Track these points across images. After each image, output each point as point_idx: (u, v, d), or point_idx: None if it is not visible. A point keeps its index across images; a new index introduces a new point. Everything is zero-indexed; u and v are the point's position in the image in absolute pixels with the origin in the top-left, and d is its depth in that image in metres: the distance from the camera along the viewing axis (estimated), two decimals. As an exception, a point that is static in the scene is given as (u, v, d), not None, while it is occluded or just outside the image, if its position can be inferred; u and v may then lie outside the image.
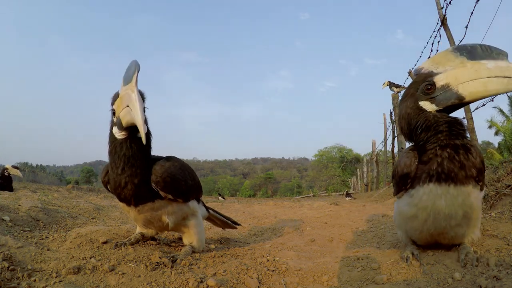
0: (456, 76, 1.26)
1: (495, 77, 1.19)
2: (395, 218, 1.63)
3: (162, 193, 1.51)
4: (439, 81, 1.30)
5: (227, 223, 2.23)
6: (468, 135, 1.35)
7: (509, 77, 1.17)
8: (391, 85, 6.78)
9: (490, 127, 16.43)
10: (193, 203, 1.73)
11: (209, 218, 2.14)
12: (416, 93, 1.36)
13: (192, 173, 1.74)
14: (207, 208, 2.03)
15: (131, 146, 1.44)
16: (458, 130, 1.30)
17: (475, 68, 1.22)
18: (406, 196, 1.42)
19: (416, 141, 1.39)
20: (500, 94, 1.25)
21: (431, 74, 1.32)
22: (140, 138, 1.41)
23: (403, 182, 1.40)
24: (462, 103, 1.29)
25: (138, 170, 1.45)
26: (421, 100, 1.34)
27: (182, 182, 1.58)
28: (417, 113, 1.35)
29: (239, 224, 2.37)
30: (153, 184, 1.49)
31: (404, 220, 1.48)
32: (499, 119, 16.55)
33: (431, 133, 1.31)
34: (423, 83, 1.33)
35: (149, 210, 1.56)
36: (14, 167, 6.07)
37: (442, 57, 1.32)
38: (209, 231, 2.54)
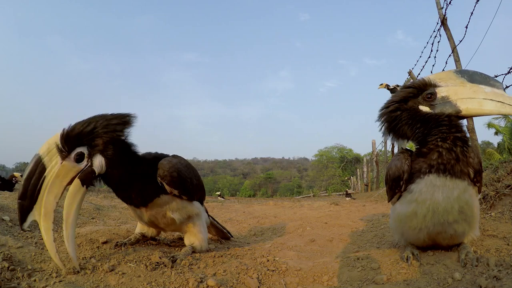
0: (457, 91, 1.39)
1: (490, 100, 1.34)
2: (391, 224, 1.63)
3: (168, 188, 1.52)
4: (441, 92, 1.40)
5: (223, 231, 2.24)
6: (465, 130, 1.41)
7: (502, 102, 1.32)
8: (388, 88, 6.72)
9: (488, 127, 16.46)
10: (197, 204, 1.75)
11: (208, 226, 2.13)
12: (417, 97, 1.42)
13: (197, 174, 1.77)
14: (208, 215, 2.03)
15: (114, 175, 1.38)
16: (457, 124, 1.37)
17: (473, 89, 1.37)
18: (404, 194, 1.43)
19: (407, 136, 1.44)
20: (491, 115, 1.41)
21: (434, 85, 1.41)
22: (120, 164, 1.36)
23: (395, 185, 1.43)
24: (457, 116, 1.38)
25: (134, 182, 1.43)
26: (421, 105, 1.42)
27: (188, 179, 1.60)
28: (416, 110, 1.41)
29: (232, 236, 2.36)
30: (159, 179, 1.50)
31: (401, 221, 1.47)
32: (499, 118, 16.59)
33: (432, 125, 1.36)
34: (424, 92, 1.41)
35: (156, 207, 1.58)
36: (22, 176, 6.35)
37: (445, 75, 1.44)
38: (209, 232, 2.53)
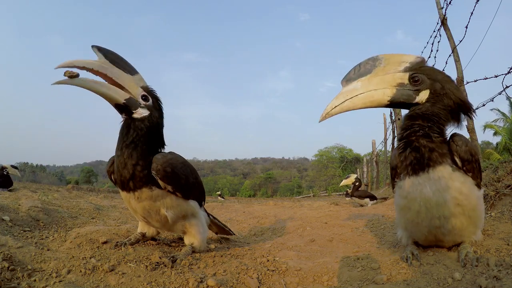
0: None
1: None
2: (396, 216, 1.64)
3: (161, 183, 1.53)
4: None
5: (224, 229, 2.26)
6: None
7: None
8: None
9: (484, 129, 16.55)
10: (194, 203, 1.72)
11: (209, 225, 2.14)
12: None
13: (195, 173, 1.76)
14: (208, 214, 2.03)
15: (132, 127, 1.54)
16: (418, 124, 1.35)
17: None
18: (397, 187, 1.45)
19: None
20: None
21: None
22: (142, 120, 1.55)
23: (394, 174, 1.47)
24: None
25: (139, 151, 1.51)
26: None
27: (183, 176, 1.60)
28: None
29: (234, 234, 2.39)
30: (153, 172, 1.51)
31: (400, 212, 1.50)
32: (495, 118, 16.69)
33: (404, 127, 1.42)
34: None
35: (148, 199, 1.56)
36: (13, 166, 6.14)
37: None
38: (209, 231, 2.53)
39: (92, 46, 1.50)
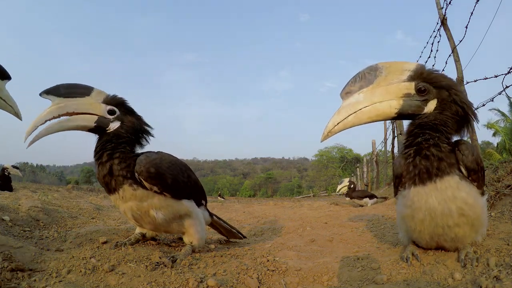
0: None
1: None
2: (397, 220, 1.63)
3: (146, 184, 1.52)
4: None
5: (232, 231, 2.16)
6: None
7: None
8: None
9: (488, 129, 16.53)
10: (188, 202, 1.69)
11: (212, 225, 2.10)
12: None
13: (188, 172, 1.72)
14: (211, 214, 2.00)
15: (105, 136, 1.59)
16: (428, 132, 1.32)
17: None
18: (400, 196, 1.44)
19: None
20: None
21: None
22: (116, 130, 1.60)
23: (398, 182, 1.43)
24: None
25: (114, 150, 1.55)
26: None
27: (170, 175, 1.57)
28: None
29: (245, 237, 2.28)
30: (136, 175, 1.50)
31: (403, 220, 1.48)
32: (496, 118, 16.70)
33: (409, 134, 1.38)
34: None
35: (133, 199, 1.55)
36: (14, 167, 6.12)
37: None
38: (209, 231, 2.53)
39: (40, 94, 1.54)
